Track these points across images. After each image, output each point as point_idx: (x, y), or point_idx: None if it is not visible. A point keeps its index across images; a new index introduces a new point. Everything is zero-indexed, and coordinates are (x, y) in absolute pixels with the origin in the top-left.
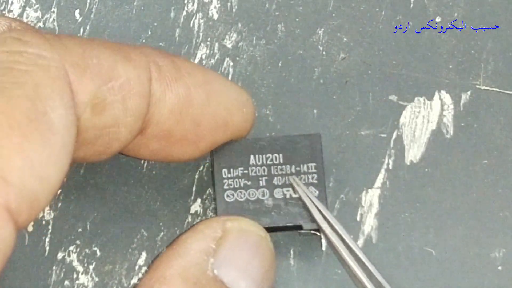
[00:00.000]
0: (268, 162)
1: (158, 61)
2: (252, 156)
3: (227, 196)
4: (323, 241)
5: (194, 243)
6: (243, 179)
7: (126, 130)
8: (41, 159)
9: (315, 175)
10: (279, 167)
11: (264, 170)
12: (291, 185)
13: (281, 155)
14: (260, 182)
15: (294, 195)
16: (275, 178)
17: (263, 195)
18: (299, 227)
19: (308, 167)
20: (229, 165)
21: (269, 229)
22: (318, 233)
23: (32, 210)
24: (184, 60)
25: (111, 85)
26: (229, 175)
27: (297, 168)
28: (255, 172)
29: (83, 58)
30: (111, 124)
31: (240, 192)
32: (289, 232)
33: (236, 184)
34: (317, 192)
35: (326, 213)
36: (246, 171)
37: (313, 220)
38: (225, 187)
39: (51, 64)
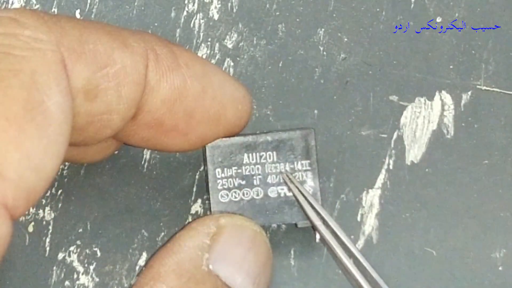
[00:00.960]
0: (262, 161)
1: (156, 49)
2: (245, 155)
3: (221, 196)
4: (317, 233)
5: (188, 240)
6: (237, 179)
7: (118, 117)
8: (38, 151)
9: (309, 173)
10: (273, 165)
11: (258, 168)
12: (284, 182)
13: (274, 153)
14: (254, 181)
15: (288, 194)
16: (269, 176)
17: (257, 195)
18: (294, 226)
19: (302, 164)
20: (223, 165)
21: (264, 226)
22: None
23: (28, 201)
24: (183, 50)
25: (106, 72)
26: (222, 175)
27: (291, 166)
28: (249, 171)
29: (80, 43)
30: (104, 111)
31: (235, 192)
32: (289, 232)
33: (230, 184)
34: (311, 190)
35: (320, 209)
36: (239, 170)
37: (307, 216)
38: (219, 187)
39: (48, 47)
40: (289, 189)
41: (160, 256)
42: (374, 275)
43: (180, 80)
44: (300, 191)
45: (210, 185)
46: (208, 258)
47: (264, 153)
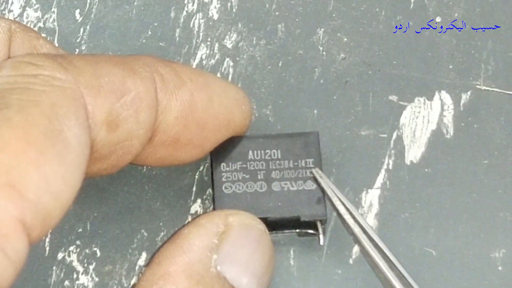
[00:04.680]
0: (267, 157)
1: (160, 70)
2: (250, 152)
3: (225, 188)
4: (321, 236)
5: (197, 238)
6: (241, 173)
7: (138, 141)
8: (56, 176)
9: (313, 171)
10: (277, 162)
11: (262, 164)
12: (313, 177)
13: (279, 151)
14: (258, 175)
15: (292, 188)
16: (273, 172)
17: (261, 188)
18: (297, 220)
19: (306, 162)
20: (228, 159)
21: (268, 227)
22: (315, 233)
23: (44, 226)
24: (182, 65)
25: (124, 101)
26: (227, 169)
27: (295, 163)
28: (253, 166)
29: (95, 77)
30: (125, 138)
31: (238, 184)
32: (289, 233)
33: (235, 177)
34: (314, 185)
35: (348, 205)
36: (244, 165)
37: (337, 211)
38: (224, 179)
39: (66, 85)
40: (317, 183)
41: (170, 254)
42: (401, 269)
43: (187, 94)
44: (328, 185)
45: (214, 176)
46: (216, 259)
47: (269, 151)
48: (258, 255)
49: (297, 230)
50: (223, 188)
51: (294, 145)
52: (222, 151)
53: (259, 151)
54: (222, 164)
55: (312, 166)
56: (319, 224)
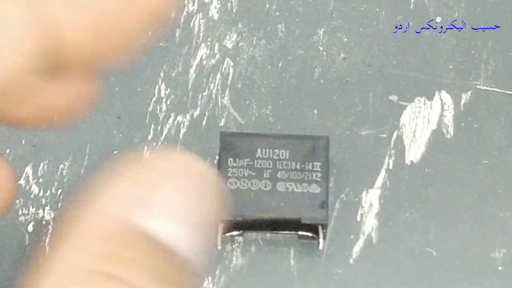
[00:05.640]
0: (274, 157)
1: None
2: (259, 149)
3: (230, 183)
4: (321, 240)
5: (114, 190)
6: (247, 170)
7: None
8: None
9: (319, 174)
10: (285, 162)
11: (269, 163)
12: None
13: (287, 151)
14: (264, 174)
15: (296, 190)
16: (279, 172)
17: (265, 186)
18: (298, 222)
19: (313, 165)
20: (235, 155)
21: (269, 226)
22: (316, 236)
23: None
24: None
25: None
26: (234, 164)
27: (302, 165)
28: (260, 165)
29: None
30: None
31: (243, 181)
32: (289, 235)
33: (240, 173)
34: (319, 189)
35: None
36: (251, 163)
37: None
38: (229, 174)
39: None
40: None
41: (81, 213)
42: None
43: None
44: None
45: (220, 171)
46: (137, 211)
47: (277, 150)
48: (191, 200)
49: (298, 233)
50: (227, 184)
51: (303, 147)
52: (230, 146)
53: (267, 150)
54: (229, 159)
55: (319, 169)
56: (320, 228)
